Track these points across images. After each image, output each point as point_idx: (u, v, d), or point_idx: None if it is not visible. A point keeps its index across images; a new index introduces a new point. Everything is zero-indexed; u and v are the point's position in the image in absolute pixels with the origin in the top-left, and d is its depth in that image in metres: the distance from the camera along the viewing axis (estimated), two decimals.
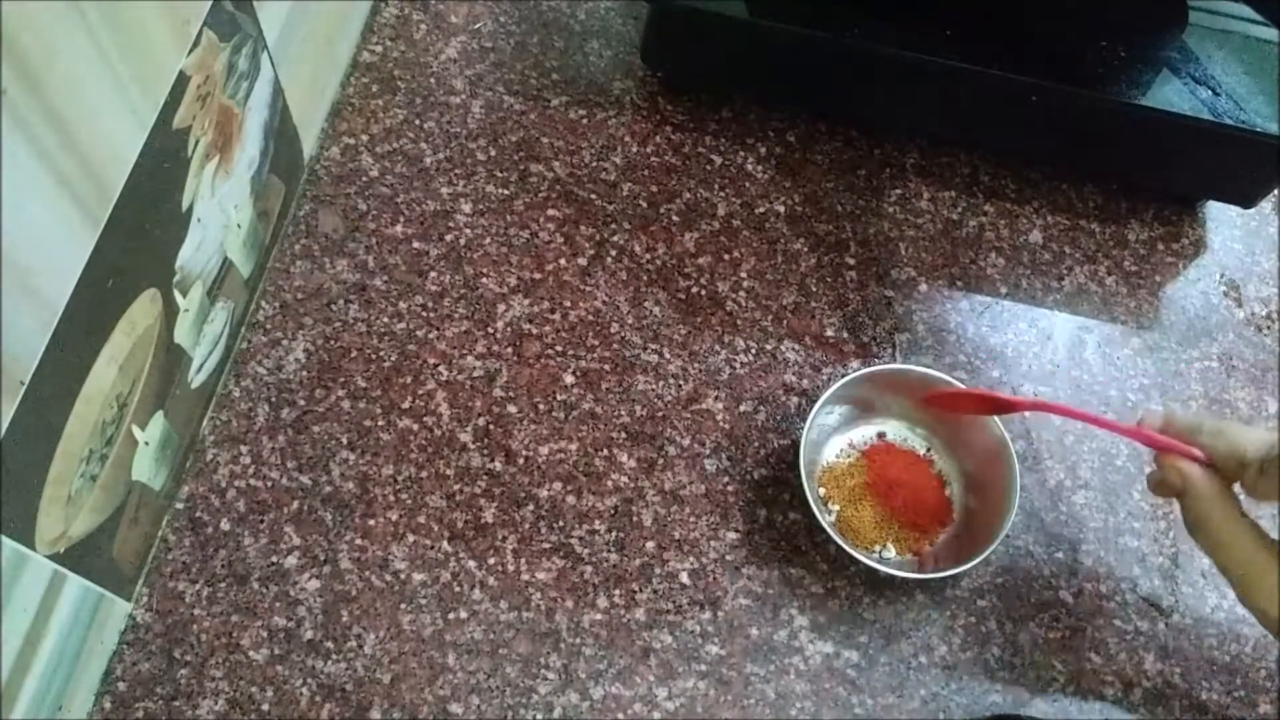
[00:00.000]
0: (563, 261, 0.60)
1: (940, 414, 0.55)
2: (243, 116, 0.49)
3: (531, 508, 0.53)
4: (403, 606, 0.50)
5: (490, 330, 0.58)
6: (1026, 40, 0.59)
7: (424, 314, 0.58)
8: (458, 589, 0.51)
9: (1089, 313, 0.62)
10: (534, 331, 0.58)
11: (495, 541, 0.52)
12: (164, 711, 0.47)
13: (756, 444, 0.56)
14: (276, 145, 0.54)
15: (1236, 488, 0.43)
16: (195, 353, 0.50)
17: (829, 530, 0.50)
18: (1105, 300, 0.63)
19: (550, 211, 0.62)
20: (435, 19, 0.68)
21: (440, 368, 0.56)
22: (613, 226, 0.62)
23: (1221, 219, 0.67)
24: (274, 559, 0.51)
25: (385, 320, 0.57)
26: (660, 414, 0.56)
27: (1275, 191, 0.65)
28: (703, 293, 0.60)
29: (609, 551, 0.53)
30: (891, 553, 0.53)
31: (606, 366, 0.57)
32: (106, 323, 0.40)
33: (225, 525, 0.51)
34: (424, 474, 0.53)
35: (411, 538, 0.52)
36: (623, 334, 0.58)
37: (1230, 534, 0.43)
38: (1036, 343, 0.61)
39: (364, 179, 0.61)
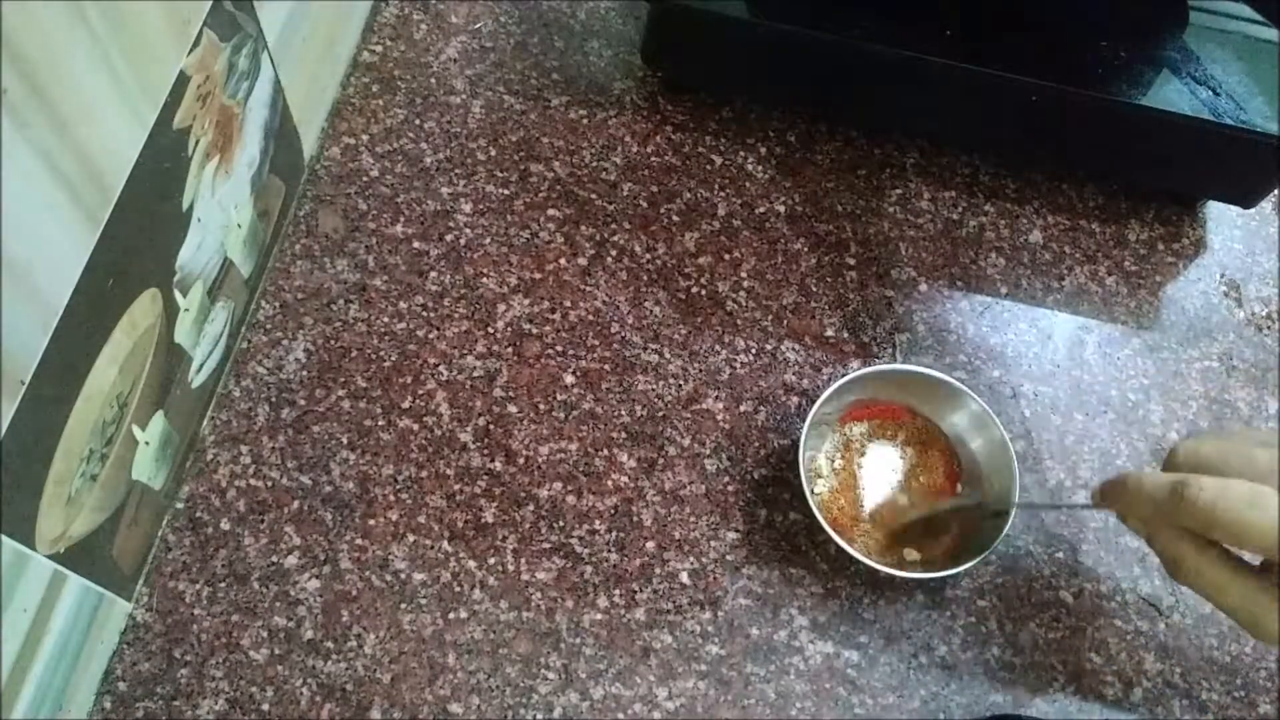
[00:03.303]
0: (563, 261, 0.60)
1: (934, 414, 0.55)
2: (243, 116, 0.49)
3: (531, 508, 0.53)
4: (403, 606, 0.50)
5: (490, 330, 0.58)
6: (1026, 40, 0.59)
7: (424, 314, 0.58)
8: (458, 589, 0.51)
9: (1089, 313, 0.62)
10: (534, 331, 0.58)
11: (495, 541, 0.52)
12: (164, 711, 0.47)
13: (756, 444, 0.56)
14: (277, 145, 0.54)
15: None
16: (195, 352, 0.50)
17: (829, 530, 0.50)
18: (1105, 300, 0.63)
19: (550, 211, 0.62)
20: (435, 19, 0.68)
21: (440, 368, 0.56)
22: (613, 226, 0.62)
23: (1221, 219, 0.67)
24: (274, 559, 0.51)
25: (385, 320, 0.57)
26: (660, 414, 0.56)
27: (1275, 191, 0.65)
28: (703, 293, 0.60)
29: (609, 551, 0.53)
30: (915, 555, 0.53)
31: (606, 366, 0.57)
32: (106, 323, 0.40)
33: (225, 525, 0.51)
34: (424, 474, 0.53)
35: (411, 537, 0.52)
36: (623, 334, 0.58)
37: (1219, 575, 0.39)
38: (1036, 343, 0.61)
39: (364, 179, 0.61)
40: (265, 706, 0.48)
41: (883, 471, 0.55)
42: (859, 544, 0.52)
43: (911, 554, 0.53)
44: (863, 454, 0.55)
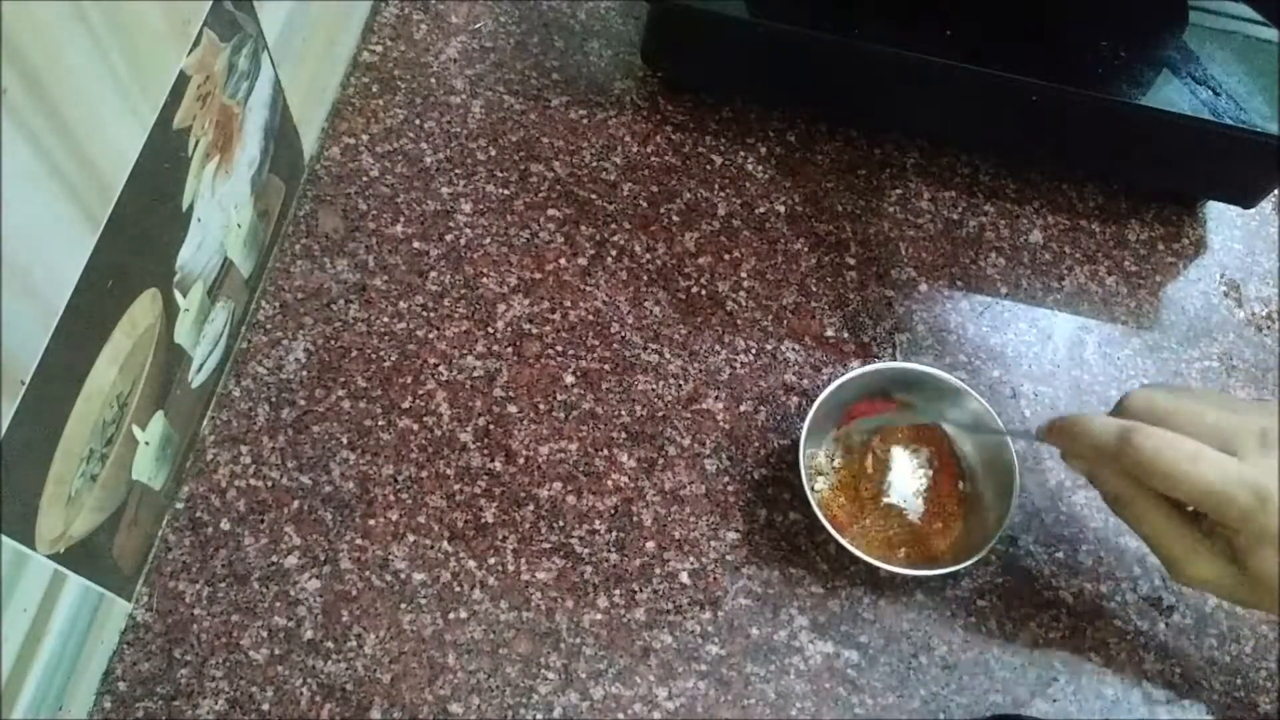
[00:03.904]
0: (563, 261, 0.60)
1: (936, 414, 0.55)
2: (243, 116, 0.49)
3: (531, 508, 0.53)
4: (403, 606, 0.50)
5: (490, 330, 0.58)
6: (1026, 40, 0.59)
7: (424, 314, 0.58)
8: (458, 589, 0.51)
9: (1089, 313, 0.62)
10: (534, 331, 0.58)
11: (495, 541, 0.52)
12: (164, 711, 0.47)
13: (756, 444, 0.56)
14: (277, 145, 0.54)
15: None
16: (195, 352, 0.50)
17: (829, 528, 0.50)
18: (1105, 300, 0.63)
19: (550, 211, 0.62)
20: (435, 19, 0.68)
21: (440, 368, 0.56)
22: (613, 226, 0.62)
23: (1221, 219, 0.67)
24: (274, 559, 0.51)
25: (385, 320, 0.57)
26: (660, 414, 0.56)
27: (1275, 191, 0.65)
28: (703, 293, 0.60)
29: (609, 551, 0.53)
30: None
31: (606, 366, 0.57)
32: (106, 323, 0.40)
33: (225, 525, 0.51)
34: (424, 474, 0.53)
35: (411, 538, 0.52)
36: (623, 334, 0.58)
37: (1157, 515, 0.42)
38: (1036, 343, 0.61)
39: (364, 179, 0.61)
40: (265, 706, 0.48)
41: (883, 470, 0.55)
42: (858, 542, 0.52)
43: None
44: (863, 452, 0.55)
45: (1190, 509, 0.42)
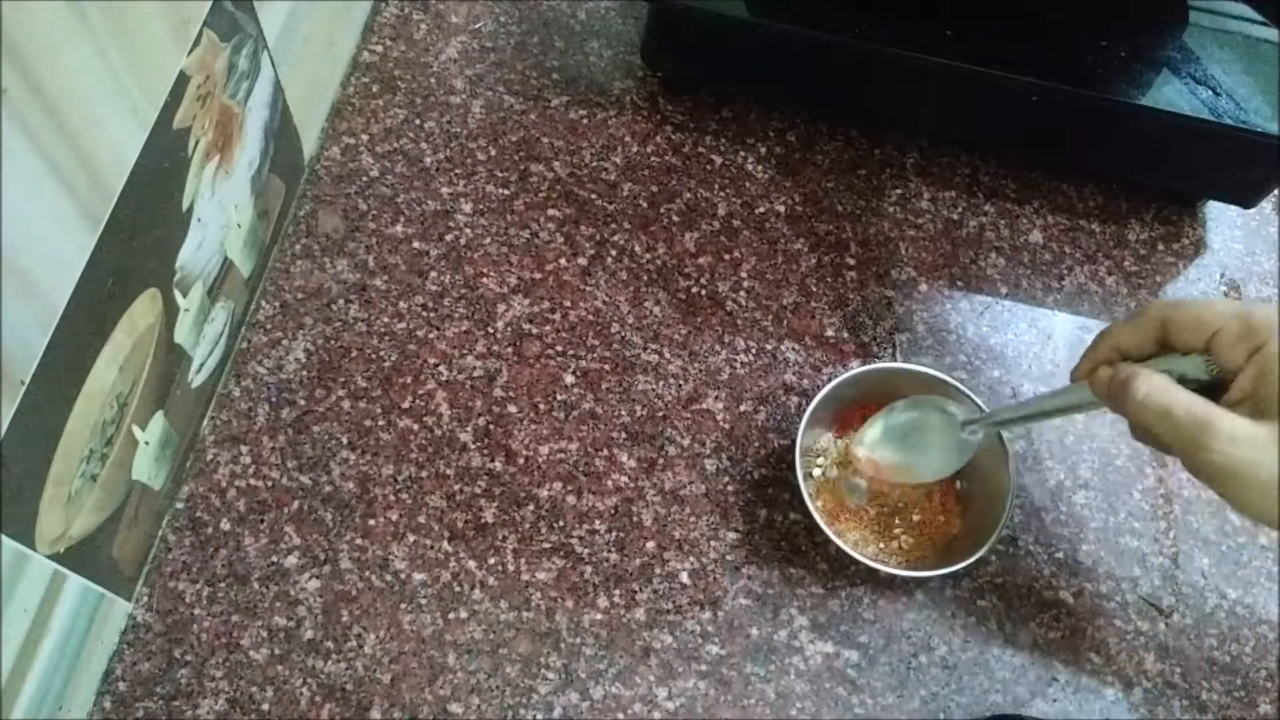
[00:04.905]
0: (563, 261, 0.60)
1: None
2: (243, 116, 0.49)
3: (531, 508, 0.53)
4: (403, 606, 0.50)
5: (490, 330, 0.58)
6: (1026, 40, 0.59)
7: (424, 314, 0.58)
8: (458, 589, 0.51)
9: (1089, 313, 0.62)
10: (534, 331, 0.58)
11: (495, 541, 0.52)
12: (164, 711, 0.47)
13: (756, 444, 0.56)
14: (277, 145, 0.54)
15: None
16: (195, 352, 0.50)
17: (825, 529, 0.50)
18: (1105, 300, 0.63)
19: (550, 211, 0.62)
20: (435, 19, 0.68)
21: (440, 368, 0.56)
22: (613, 226, 0.62)
23: (1221, 219, 0.67)
24: (274, 559, 0.51)
25: (385, 320, 0.57)
26: (660, 414, 0.56)
27: (1275, 191, 0.65)
28: (703, 293, 0.60)
29: (609, 551, 0.53)
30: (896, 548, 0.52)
31: (606, 366, 0.57)
32: (106, 323, 0.40)
33: (225, 525, 0.51)
34: (424, 474, 0.53)
35: (411, 537, 0.52)
36: (623, 334, 0.58)
37: (1171, 384, 0.39)
38: (1036, 343, 0.61)
39: (364, 179, 0.61)
40: (265, 706, 0.48)
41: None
42: (854, 538, 0.52)
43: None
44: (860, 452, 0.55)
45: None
